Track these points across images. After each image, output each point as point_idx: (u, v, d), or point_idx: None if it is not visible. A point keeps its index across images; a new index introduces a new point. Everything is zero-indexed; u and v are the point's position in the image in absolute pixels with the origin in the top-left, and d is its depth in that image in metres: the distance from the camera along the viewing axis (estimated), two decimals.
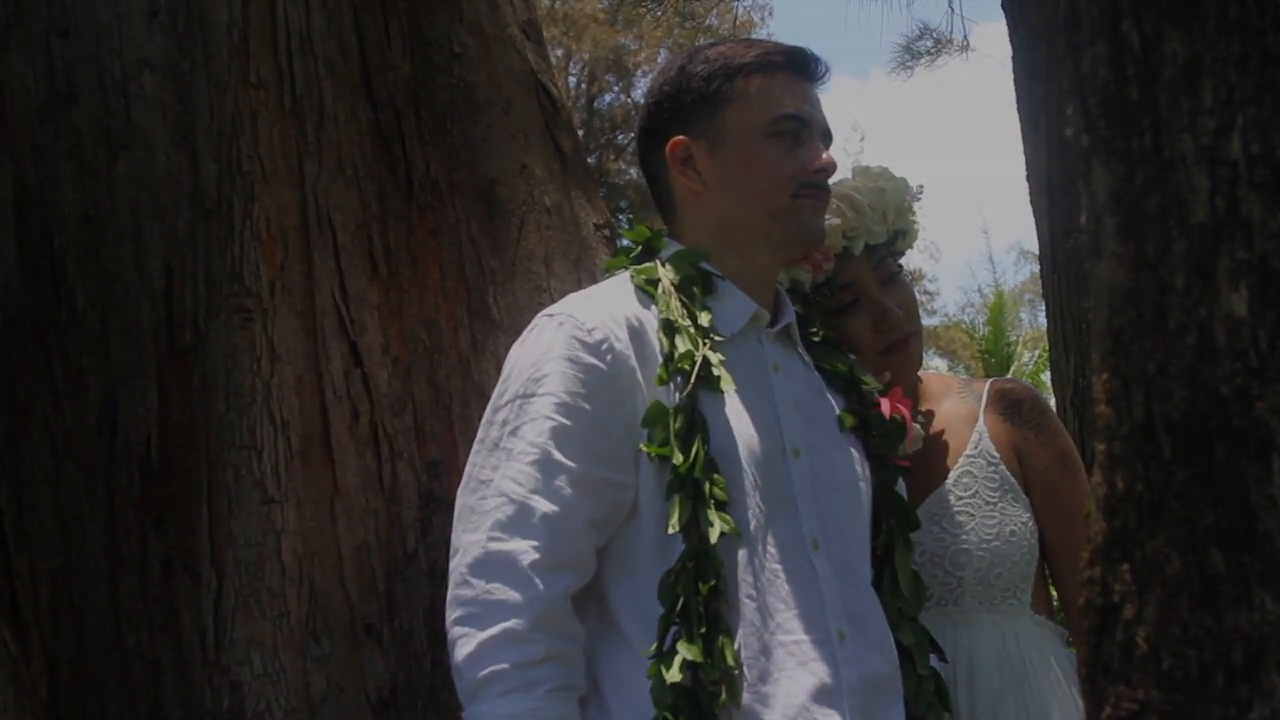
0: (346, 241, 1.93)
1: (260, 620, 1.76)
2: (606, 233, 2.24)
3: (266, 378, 1.83)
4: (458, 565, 1.57)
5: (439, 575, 1.77)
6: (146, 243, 1.86)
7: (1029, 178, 4.52)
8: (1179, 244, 0.94)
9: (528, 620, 1.51)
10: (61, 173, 1.88)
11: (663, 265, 1.74)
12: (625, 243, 1.86)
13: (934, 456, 1.97)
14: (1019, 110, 4.54)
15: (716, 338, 1.66)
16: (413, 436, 1.93)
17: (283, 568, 1.78)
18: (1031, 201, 4.52)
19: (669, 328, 1.65)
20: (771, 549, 1.61)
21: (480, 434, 1.65)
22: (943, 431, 2.00)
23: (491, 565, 1.54)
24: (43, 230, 1.88)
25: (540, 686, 1.50)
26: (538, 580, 1.53)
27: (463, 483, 1.63)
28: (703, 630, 1.53)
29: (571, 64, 17.84)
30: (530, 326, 1.70)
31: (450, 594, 1.57)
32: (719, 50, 1.79)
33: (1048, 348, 5.47)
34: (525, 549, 1.54)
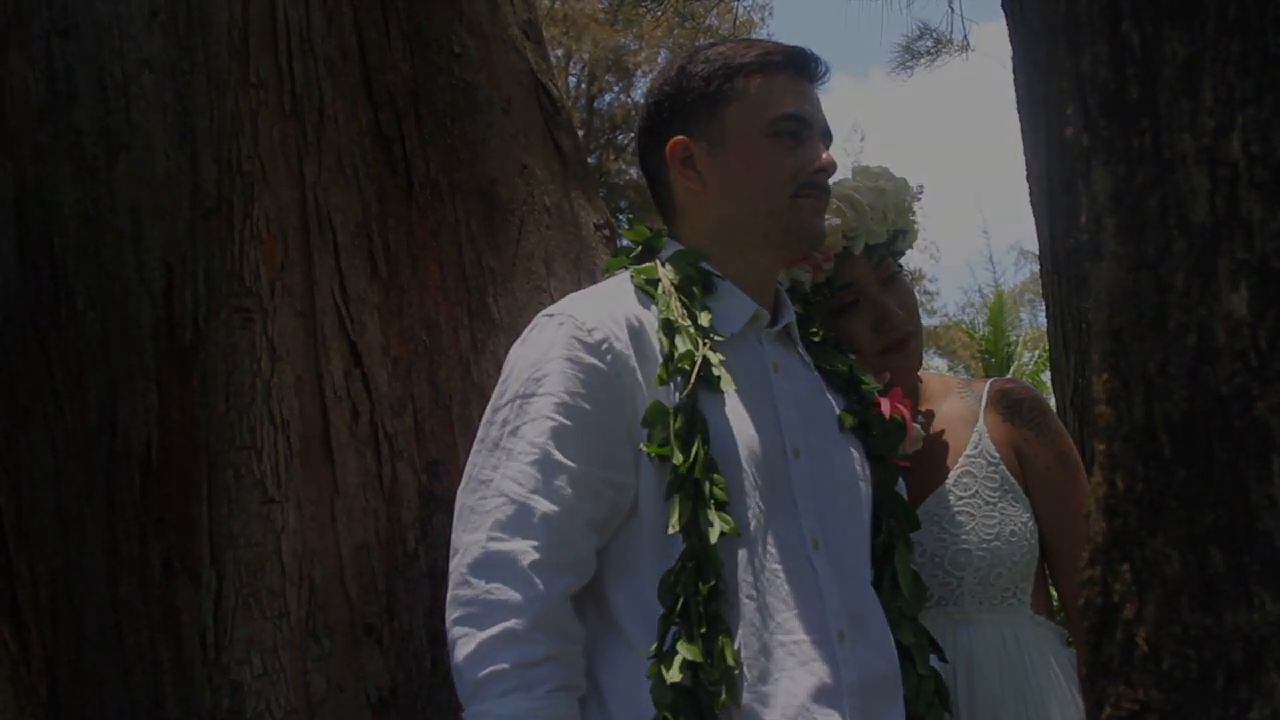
0: (346, 241, 1.93)
1: (260, 620, 1.76)
2: (606, 233, 2.24)
3: (266, 378, 1.83)
4: (458, 565, 1.57)
5: (439, 575, 1.77)
6: (146, 243, 1.86)
7: (1029, 178, 4.51)
8: (1179, 244, 0.94)
9: (528, 620, 1.51)
10: (61, 173, 1.88)
11: (663, 265, 1.74)
12: (625, 243, 1.86)
13: (934, 456, 1.97)
14: (1019, 110, 4.54)
15: (716, 338, 1.66)
16: (413, 436, 1.93)
17: (283, 568, 1.78)
18: (1031, 201, 4.52)
19: (669, 328, 1.65)
20: (771, 549, 1.61)
21: (480, 434, 1.65)
22: (943, 431, 2.00)
23: (491, 565, 1.54)
24: (43, 230, 1.87)
25: (540, 686, 1.50)
26: (538, 580, 1.53)
27: (463, 483, 1.63)
28: (703, 630, 1.53)
29: (571, 64, 17.84)
30: (530, 326, 1.70)
31: (450, 594, 1.57)
32: (719, 50, 1.79)
33: (1048, 348, 5.47)
34: (525, 549, 1.54)
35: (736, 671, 1.53)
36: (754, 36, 4.99)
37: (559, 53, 16.86)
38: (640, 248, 1.81)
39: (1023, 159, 4.52)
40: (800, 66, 1.77)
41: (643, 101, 1.89)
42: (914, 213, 2.04)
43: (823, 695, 1.57)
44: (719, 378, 1.62)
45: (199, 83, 1.89)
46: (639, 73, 17.83)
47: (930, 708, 1.73)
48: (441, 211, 2.03)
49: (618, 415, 1.61)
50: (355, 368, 1.89)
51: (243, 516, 1.78)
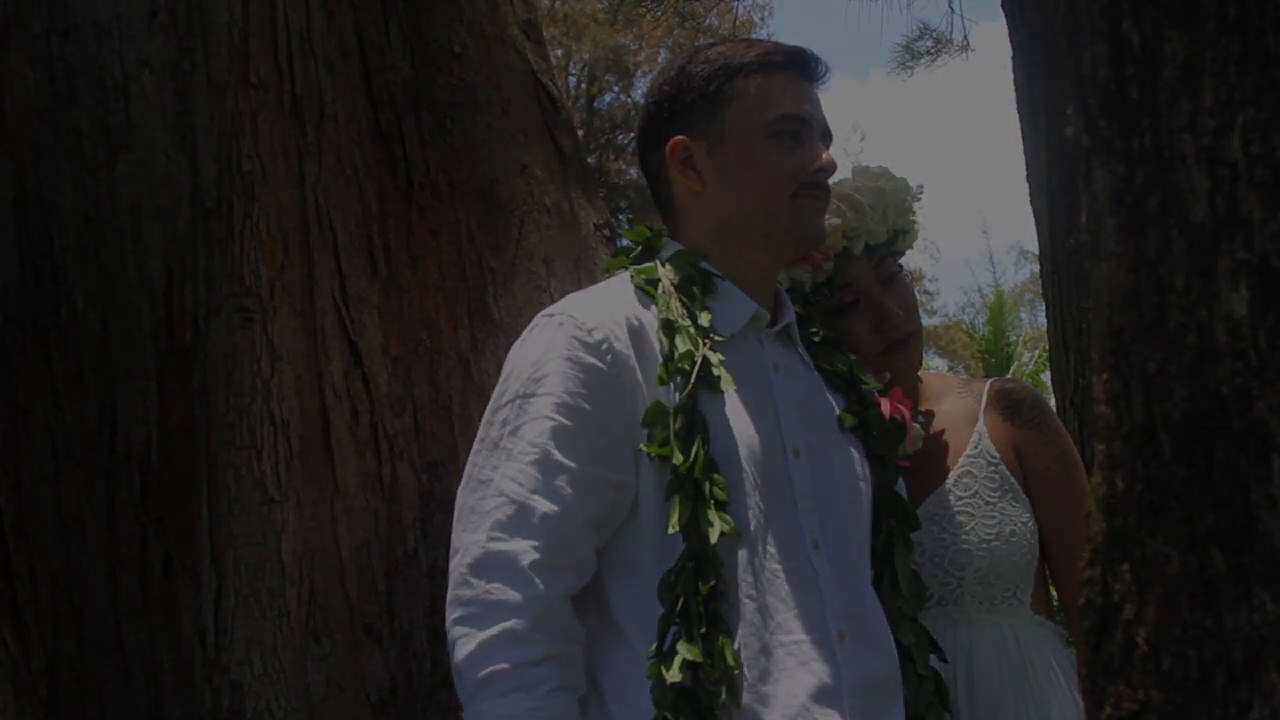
0: (346, 241, 1.93)
1: (260, 620, 1.76)
2: (606, 233, 2.24)
3: (266, 377, 1.83)
4: (458, 565, 1.57)
5: (439, 575, 1.77)
6: (146, 243, 1.86)
7: (1029, 178, 4.52)
8: (1179, 244, 0.94)
9: (528, 620, 1.51)
10: (61, 173, 1.88)
11: (663, 265, 1.74)
12: (625, 243, 1.86)
13: (934, 456, 1.97)
14: (1019, 110, 4.54)
15: (716, 338, 1.66)
16: (413, 436, 1.93)
17: (283, 568, 1.78)
18: (1031, 201, 4.52)
19: (669, 328, 1.65)
20: (771, 549, 1.61)
21: (480, 434, 1.65)
22: (943, 431, 2.00)
23: (491, 565, 1.54)
24: (43, 230, 1.87)
25: (540, 686, 1.50)
26: (538, 580, 1.53)
27: (463, 483, 1.63)
28: (703, 630, 1.53)
29: (571, 64, 17.84)
30: (530, 326, 1.70)
31: (450, 594, 1.57)
32: (719, 50, 1.79)
33: (1048, 348, 5.47)
34: (525, 549, 1.54)
35: (736, 671, 1.53)
36: (754, 36, 4.99)
37: (559, 53, 16.85)
38: (640, 248, 1.81)
39: (1023, 159, 4.52)
40: (800, 66, 1.77)
41: (643, 101, 1.90)
42: (914, 213, 2.04)
43: (823, 695, 1.57)
44: (719, 378, 1.62)
45: (199, 83, 1.89)
46: (639, 73, 17.82)
47: (930, 708, 1.73)
48: (441, 211, 2.03)
49: (618, 415, 1.61)
50: (355, 368, 1.89)
51: (243, 516, 1.78)
